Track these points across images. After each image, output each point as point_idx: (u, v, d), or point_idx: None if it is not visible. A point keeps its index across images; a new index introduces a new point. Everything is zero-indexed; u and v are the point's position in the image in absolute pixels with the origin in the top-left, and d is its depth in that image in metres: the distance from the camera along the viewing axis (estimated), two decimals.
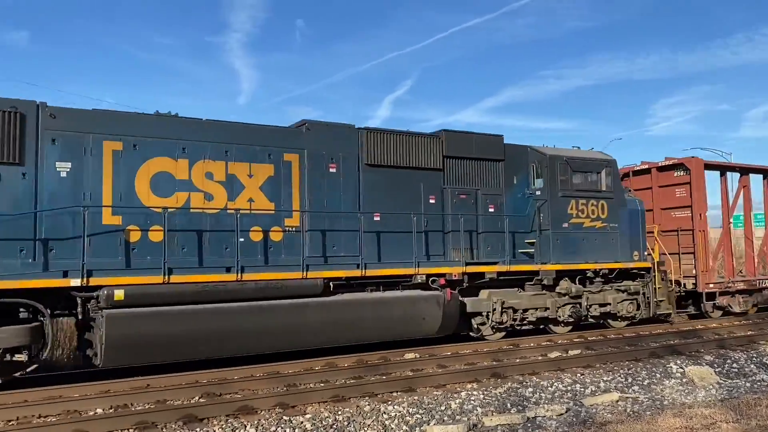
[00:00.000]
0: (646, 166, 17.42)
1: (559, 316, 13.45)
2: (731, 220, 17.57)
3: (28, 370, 8.80)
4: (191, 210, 9.98)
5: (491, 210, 12.93)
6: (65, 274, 8.89)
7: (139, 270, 9.39)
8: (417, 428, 7.01)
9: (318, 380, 9.35)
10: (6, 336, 8.37)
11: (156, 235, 9.59)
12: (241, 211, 10.12)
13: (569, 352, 11.62)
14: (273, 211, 10.65)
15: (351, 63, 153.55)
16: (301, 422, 7.15)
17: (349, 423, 7.19)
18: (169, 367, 9.88)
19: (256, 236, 10.45)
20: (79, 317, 9.16)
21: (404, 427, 7.05)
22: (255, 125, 10.92)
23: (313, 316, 10.35)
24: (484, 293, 12.60)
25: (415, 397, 8.20)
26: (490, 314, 12.51)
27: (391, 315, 11.10)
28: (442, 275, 11.83)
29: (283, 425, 7.07)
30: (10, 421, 7.35)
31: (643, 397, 8.20)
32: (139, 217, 9.63)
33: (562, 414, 7.43)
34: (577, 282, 13.57)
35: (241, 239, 10.07)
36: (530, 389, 8.70)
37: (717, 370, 9.81)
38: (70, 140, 9.31)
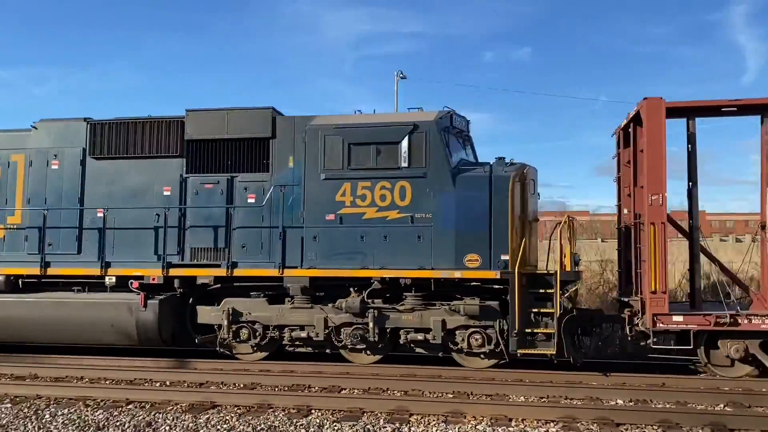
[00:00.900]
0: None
1: (336, 339, 9.94)
2: None
3: None
4: None
5: (250, 200, 10.50)
6: None
7: None
8: None
9: None
10: None
11: None
12: None
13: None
14: None
15: None
16: None
17: None
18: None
19: None
20: None
21: None
22: None
23: None
24: (224, 303, 10.36)
25: None
26: (224, 329, 10.21)
27: (70, 318, 10.31)
28: (138, 277, 10.36)
29: None
30: (542, 398, 8.38)
31: None
32: None
33: None
34: (365, 294, 9.83)
35: None
36: None
37: None
38: None
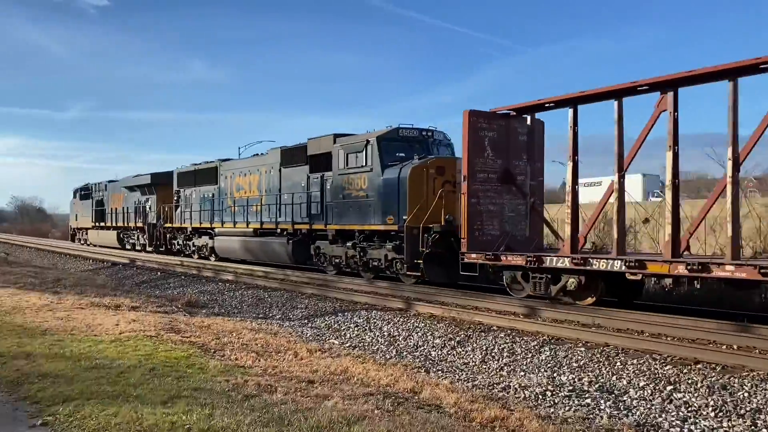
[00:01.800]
0: None
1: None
2: None
3: None
4: None
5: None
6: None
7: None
8: None
9: None
10: None
11: None
12: None
13: None
14: None
15: None
16: None
17: None
18: None
19: None
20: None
21: None
22: None
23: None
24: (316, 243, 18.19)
25: None
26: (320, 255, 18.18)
27: (261, 247, 20.39)
28: (284, 229, 19.25)
29: None
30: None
31: None
32: None
33: None
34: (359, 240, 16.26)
35: None
36: None
37: None
38: None
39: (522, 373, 8.08)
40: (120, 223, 33.55)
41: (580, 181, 12.53)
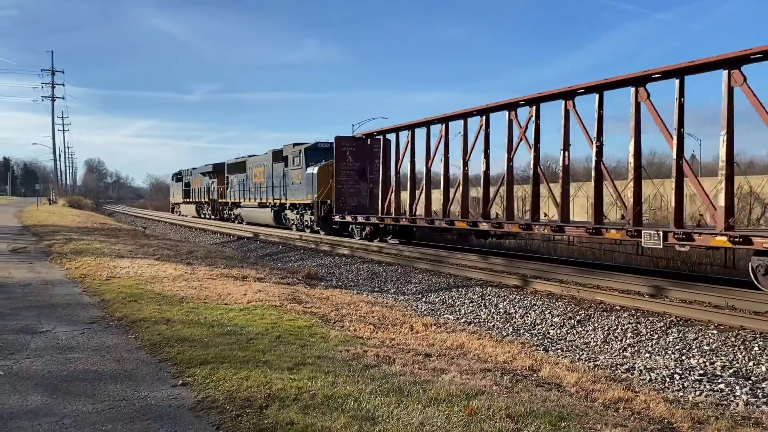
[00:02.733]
0: None
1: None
2: None
3: None
4: None
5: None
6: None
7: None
8: None
9: None
10: None
11: None
12: None
13: None
14: None
15: None
16: None
17: None
18: None
19: None
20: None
21: None
22: None
23: None
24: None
25: None
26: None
27: (260, 215, 32.17)
28: (273, 203, 30.32)
29: None
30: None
31: None
32: None
33: None
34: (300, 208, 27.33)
35: None
36: None
37: None
38: None
39: (647, 355, 7.73)
40: (197, 199, 47.02)
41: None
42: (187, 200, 49.81)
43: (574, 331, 9.12)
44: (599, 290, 11.20)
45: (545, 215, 16.56)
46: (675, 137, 10.97)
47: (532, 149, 14.41)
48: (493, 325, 9.64)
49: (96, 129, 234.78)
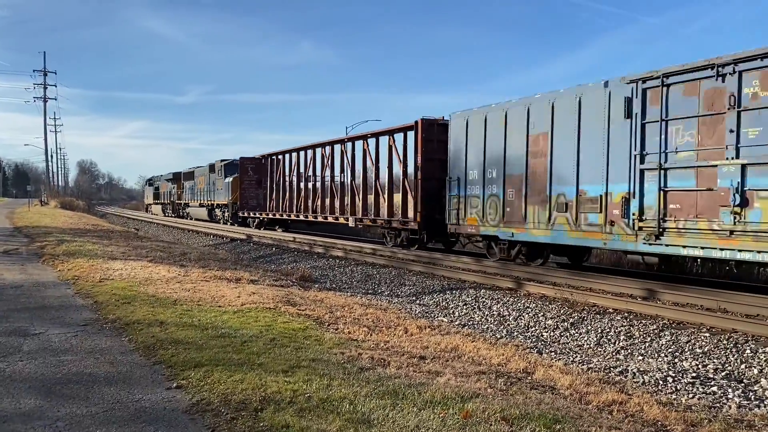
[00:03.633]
0: None
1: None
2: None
3: None
4: None
5: None
6: None
7: None
8: None
9: None
10: None
11: None
12: None
13: None
14: None
15: None
16: None
17: None
18: None
19: None
20: None
21: None
22: None
23: None
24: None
25: None
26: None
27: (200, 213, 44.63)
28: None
29: None
30: None
31: None
32: None
33: None
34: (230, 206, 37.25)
35: None
36: None
37: None
38: None
39: (640, 358, 7.77)
40: (163, 201, 57.66)
41: None
42: (156, 201, 61.25)
43: (568, 334, 9.15)
44: (592, 293, 11.24)
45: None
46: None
47: (374, 167, 21.05)
48: (487, 328, 9.66)
49: (88, 130, 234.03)
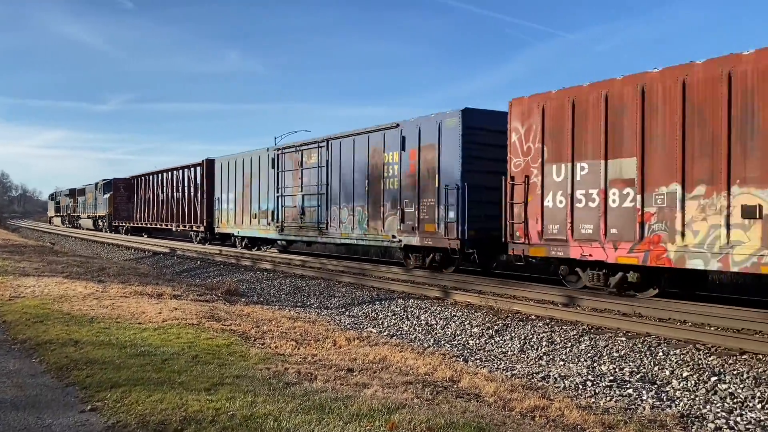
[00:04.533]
0: None
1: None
2: None
3: None
4: None
5: None
6: None
7: None
8: None
9: None
10: None
11: None
12: None
13: None
14: None
15: None
16: None
17: None
18: None
19: None
20: None
21: None
22: None
23: None
24: None
25: None
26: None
27: None
28: None
29: None
30: None
31: None
32: None
33: None
34: None
35: None
36: None
37: None
38: None
39: (561, 363, 8.01)
40: (62, 213, 64.42)
41: None
42: (57, 214, 68.47)
43: (493, 341, 9.34)
44: (516, 300, 11.53)
45: None
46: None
47: (186, 189, 29.88)
48: (415, 337, 9.73)
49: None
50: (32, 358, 6.51)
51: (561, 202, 11.79)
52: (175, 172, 32.05)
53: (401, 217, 15.88)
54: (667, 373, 7.31)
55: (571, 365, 7.86)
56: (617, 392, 6.66)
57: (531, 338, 9.20)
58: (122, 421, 4.56)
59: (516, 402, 5.58)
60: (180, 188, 31.31)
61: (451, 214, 14.47)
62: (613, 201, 10.92)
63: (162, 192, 34.12)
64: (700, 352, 7.86)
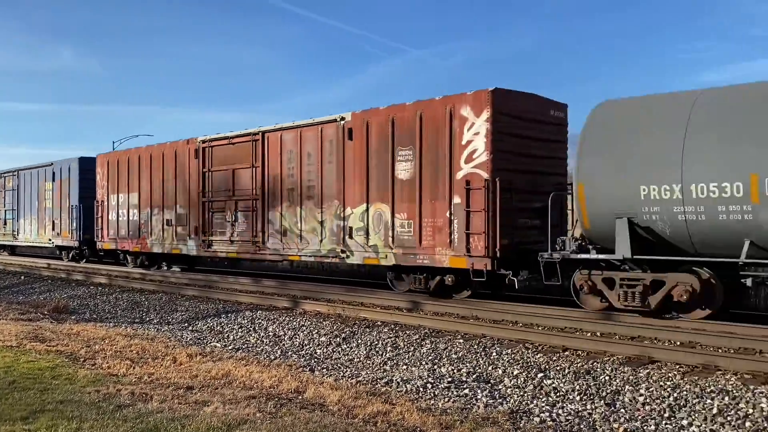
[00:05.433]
0: None
1: None
2: None
3: None
4: None
5: None
6: None
7: None
8: None
9: None
10: None
11: None
12: None
13: None
14: None
15: None
16: None
17: None
18: None
19: None
20: None
21: None
22: None
23: None
24: None
25: None
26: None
27: None
28: None
29: None
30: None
31: None
32: None
33: None
34: None
35: None
36: None
37: None
38: None
39: (404, 367, 8.26)
40: None
41: None
42: None
43: (340, 349, 9.41)
44: (363, 307, 11.73)
45: None
46: None
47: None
48: (262, 350, 9.55)
49: None
50: None
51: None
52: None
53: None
54: (500, 372, 7.80)
55: (413, 369, 8.13)
56: (455, 393, 6.99)
57: (376, 344, 9.40)
58: None
59: (359, 409, 5.66)
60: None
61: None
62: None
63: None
64: (529, 351, 8.49)
